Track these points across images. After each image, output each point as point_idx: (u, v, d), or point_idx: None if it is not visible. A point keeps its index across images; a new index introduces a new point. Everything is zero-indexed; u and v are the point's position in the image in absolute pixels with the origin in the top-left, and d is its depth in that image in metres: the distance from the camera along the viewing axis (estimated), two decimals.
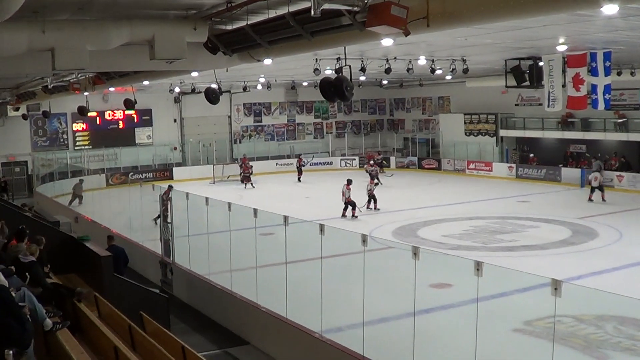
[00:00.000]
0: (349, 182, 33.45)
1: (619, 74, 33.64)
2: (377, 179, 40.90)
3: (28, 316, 9.18)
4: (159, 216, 28.22)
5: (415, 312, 12.59)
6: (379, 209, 34.46)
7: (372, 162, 46.32)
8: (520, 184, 44.36)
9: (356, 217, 32.58)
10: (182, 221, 22.20)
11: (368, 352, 13.10)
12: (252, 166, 46.91)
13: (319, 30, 12.27)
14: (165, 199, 29.56)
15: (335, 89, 14.39)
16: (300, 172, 49.68)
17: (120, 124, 52.11)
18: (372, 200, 34.71)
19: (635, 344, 15.36)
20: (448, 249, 25.44)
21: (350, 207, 32.81)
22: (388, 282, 19.36)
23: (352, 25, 11.03)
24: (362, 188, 34.50)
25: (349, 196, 32.84)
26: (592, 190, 36.31)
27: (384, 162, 52.28)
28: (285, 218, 15.85)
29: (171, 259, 21.92)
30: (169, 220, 28.75)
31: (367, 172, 43.31)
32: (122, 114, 51.34)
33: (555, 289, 9.75)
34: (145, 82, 31.74)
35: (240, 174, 46.90)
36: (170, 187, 31.82)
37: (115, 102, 46.87)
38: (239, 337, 17.36)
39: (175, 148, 54.09)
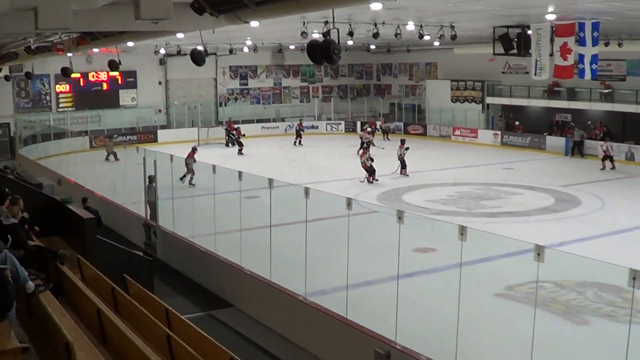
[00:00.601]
0: (365, 149, 33.71)
1: (606, 44, 33.60)
2: (369, 146, 39.89)
3: (10, 279, 9.12)
4: (184, 176, 28.66)
5: (399, 276, 12.62)
6: (407, 175, 34.25)
7: (369, 129, 45.79)
8: (505, 151, 44.43)
9: (371, 182, 32.42)
10: (166, 184, 22.14)
11: (351, 315, 13.17)
12: (239, 128, 46.45)
13: None
14: (188, 162, 30.09)
15: (322, 52, 14.32)
16: (299, 135, 49.50)
17: (104, 86, 51.56)
18: (403, 165, 34.53)
19: (614, 310, 15.47)
20: (432, 214, 25.48)
21: (366, 173, 32.82)
22: (372, 246, 19.40)
23: None
24: (352, 154, 34.36)
25: (364, 162, 32.75)
26: (605, 158, 36.60)
27: (389, 128, 51.78)
28: (270, 181, 15.83)
29: (156, 221, 21.88)
30: (193, 182, 29.09)
31: (360, 139, 42.10)
32: (106, 76, 50.76)
33: (538, 254, 9.78)
34: (130, 44, 31.43)
35: (232, 138, 46.43)
36: (194, 149, 32.47)
37: (99, 63, 46.26)
38: (222, 299, 17.42)
39: (159, 110, 53.77)
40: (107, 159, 40.62)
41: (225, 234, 18.74)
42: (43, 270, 11.49)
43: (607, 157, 36.53)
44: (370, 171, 32.67)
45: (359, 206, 22.36)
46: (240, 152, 44.20)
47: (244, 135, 45.41)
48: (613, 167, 36.38)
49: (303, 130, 50.81)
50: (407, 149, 34.63)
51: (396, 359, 11.87)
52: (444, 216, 24.93)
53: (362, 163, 32.91)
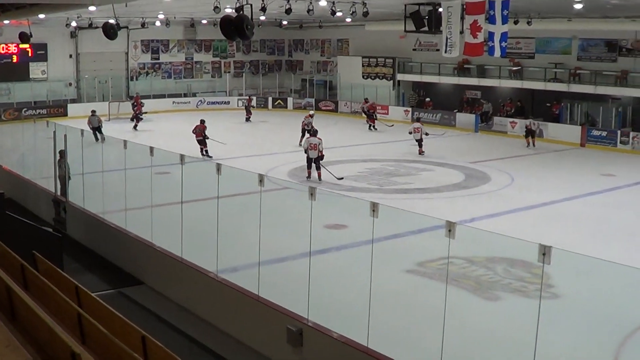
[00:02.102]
0: (315, 132, 30.09)
1: (515, 22, 34.13)
2: (310, 133, 33.22)
3: None
4: (206, 151, 28.50)
5: (311, 253, 12.68)
6: (423, 152, 34.43)
7: (311, 112, 42.57)
8: None
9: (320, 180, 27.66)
10: (76, 159, 21.80)
11: (263, 292, 13.19)
12: (143, 104, 45.21)
13: None
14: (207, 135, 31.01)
15: (235, 27, 14.31)
16: (249, 111, 48.77)
17: (14, 58, 50.29)
18: (420, 144, 34.31)
19: (524, 285, 15.81)
20: (343, 190, 25.64)
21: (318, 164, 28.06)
22: (284, 222, 19.48)
23: None
24: (263, 129, 33.99)
25: (308, 146, 28.14)
26: (528, 134, 37.23)
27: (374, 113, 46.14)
28: (182, 157, 15.73)
29: (65, 197, 21.55)
30: (203, 152, 28.85)
31: (303, 126, 37.49)
32: (16, 48, 49.70)
33: (449, 230, 9.92)
34: (42, 16, 30.85)
35: (135, 113, 45.24)
36: (202, 121, 32.47)
37: (10, 35, 45.35)
38: (133, 277, 17.25)
39: (70, 84, 52.82)
40: (99, 134, 37.10)
41: (136, 210, 18.57)
42: None
43: (530, 132, 37.02)
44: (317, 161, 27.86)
45: (271, 182, 22.37)
46: (135, 127, 43.06)
47: (145, 112, 44.50)
48: (532, 144, 37.03)
49: (253, 107, 50.73)
50: (426, 134, 34.94)
51: (308, 335, 11.96)
52: (356, 192, 25.13)
53: (312, 149, 27.76)
